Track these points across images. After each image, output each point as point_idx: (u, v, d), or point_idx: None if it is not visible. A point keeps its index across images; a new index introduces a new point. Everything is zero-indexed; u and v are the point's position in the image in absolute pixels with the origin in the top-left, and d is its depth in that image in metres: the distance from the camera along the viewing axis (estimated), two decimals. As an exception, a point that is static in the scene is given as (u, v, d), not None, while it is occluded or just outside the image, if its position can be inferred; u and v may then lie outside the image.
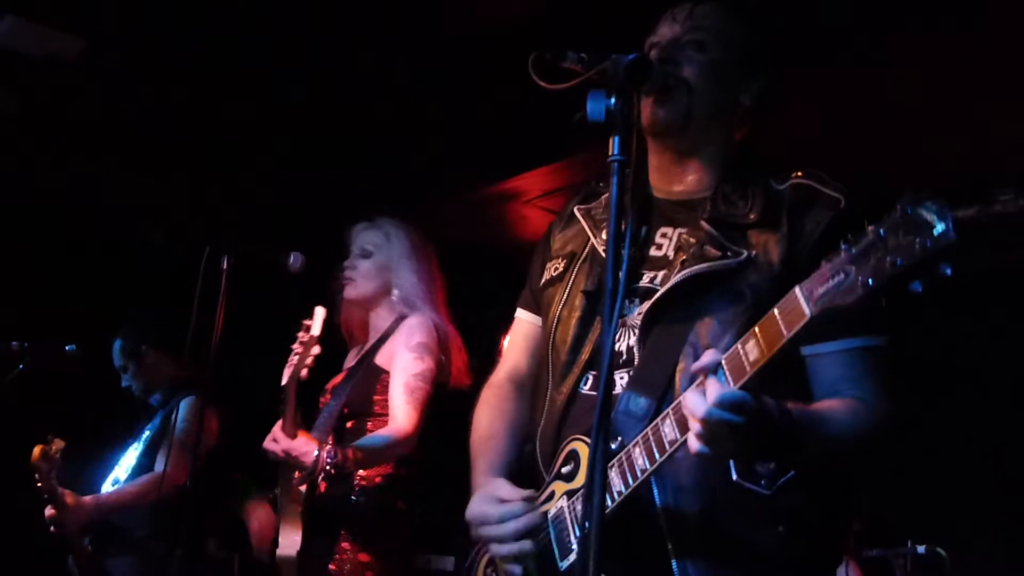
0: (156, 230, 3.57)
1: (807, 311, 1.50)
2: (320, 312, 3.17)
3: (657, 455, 1.69)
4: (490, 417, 2.20)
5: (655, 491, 1.77)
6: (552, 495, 1.92)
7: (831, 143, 4.55)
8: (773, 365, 1.57)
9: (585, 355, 1.97)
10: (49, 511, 3.89)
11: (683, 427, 1.63)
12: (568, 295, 2.06)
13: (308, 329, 3.14)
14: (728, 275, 1.83)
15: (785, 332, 1.53)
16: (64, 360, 4.08)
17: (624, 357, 1.89)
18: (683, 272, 1.85)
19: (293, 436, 3.01)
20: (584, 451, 1.87)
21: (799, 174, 1.92)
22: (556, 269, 2.13)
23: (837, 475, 1.90)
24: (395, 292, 3.48)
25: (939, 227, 1.35)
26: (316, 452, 2.97)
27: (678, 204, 2.02)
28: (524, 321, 2.26)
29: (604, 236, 2.02)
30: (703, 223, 1.91)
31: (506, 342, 2.33)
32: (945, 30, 3.77)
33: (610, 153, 1.58)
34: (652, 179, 2.07)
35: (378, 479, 3.26)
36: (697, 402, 1.56)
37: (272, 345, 3.39)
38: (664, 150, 2.03)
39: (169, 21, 4.12)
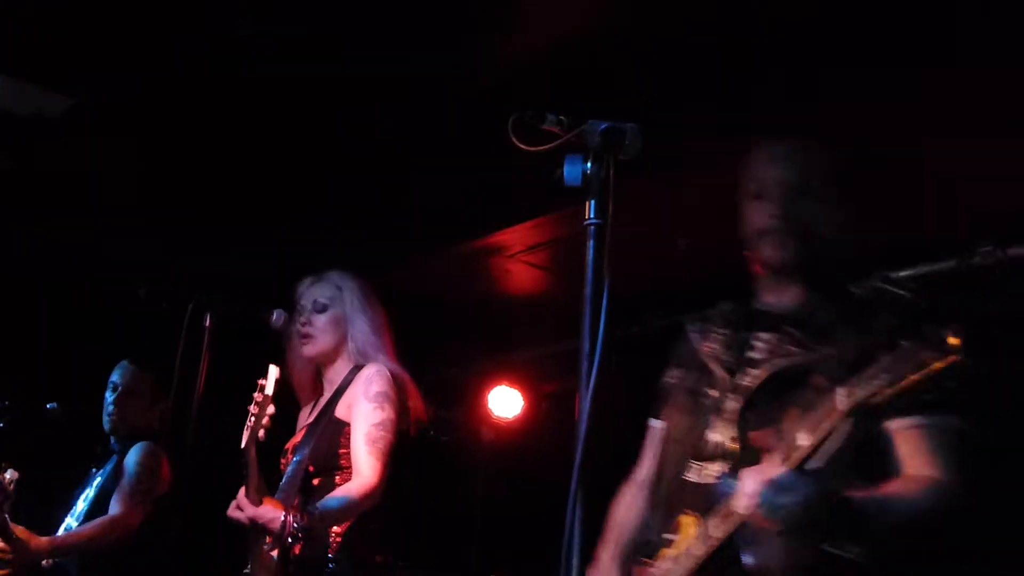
0: (140, 287, 3.55)
1: (841, 407, 1.83)
2: (273, 371, 3.14)
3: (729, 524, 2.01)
4: (624, 508, 2.53)
5: (741, 552, 2.01)
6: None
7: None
8: (840, 446, 1.92)
9: (689, 443, 2.25)
10: None
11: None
12: (681, 398, 2.38)
13: (262, 388, 3.11)
14: (808, 371, 2.07)
15: (828, 425, 1.86)
16: (45, 418, 4.06)
17: (721, 449, 2.18)
18: (769, 369, 2.17)
19: (258, 503, 2.99)
20: (685, 522, 2.16)
21: (876, 280, 2.21)
22: (674, 378, 2.47)
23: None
24: (350, 343, 3.49)
25: (950, 346, 1.65)
26: (282, 517, 2.96)
27: (776, 315, 2.30)
28: (653, 428, 2.54)
29: (708, 344, 2.37)
30: (791, 328, 2.21)
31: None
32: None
33: (586, 216, 1.61)
34: (761, 294, 2.38)
35: (352, 535, 3.22)
36: (750, 479, 1.87)
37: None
38: (772, 276, 2.33)
39: (155, 78, 4.15)
